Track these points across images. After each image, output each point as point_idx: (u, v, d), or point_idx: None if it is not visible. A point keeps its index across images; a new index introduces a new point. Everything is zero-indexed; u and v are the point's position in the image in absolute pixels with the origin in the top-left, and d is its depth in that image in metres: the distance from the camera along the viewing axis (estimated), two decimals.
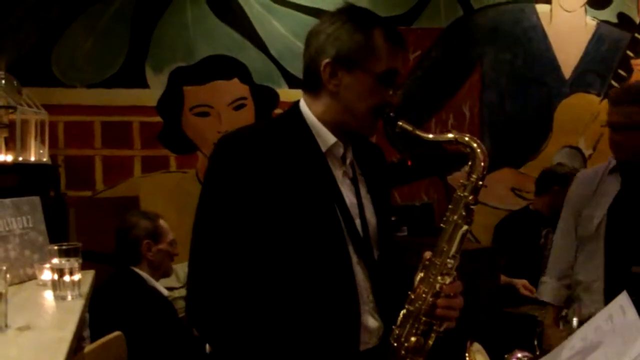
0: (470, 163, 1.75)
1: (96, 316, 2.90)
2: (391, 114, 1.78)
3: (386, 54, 1.76)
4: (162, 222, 3.48)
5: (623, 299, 1.93)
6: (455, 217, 1.76)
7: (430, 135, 1.79)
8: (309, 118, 1.82)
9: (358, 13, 1.82)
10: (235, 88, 4.76)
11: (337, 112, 1.79)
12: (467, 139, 1.76)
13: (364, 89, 1.76)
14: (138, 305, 3.19)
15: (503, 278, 4.29)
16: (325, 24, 1.80)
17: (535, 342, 2.61)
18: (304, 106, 1.84)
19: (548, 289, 3.16)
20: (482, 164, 1.74)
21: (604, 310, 1.99)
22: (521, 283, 4.27)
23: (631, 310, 1.85)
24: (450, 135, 1.77)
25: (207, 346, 3.27)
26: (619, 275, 2.91)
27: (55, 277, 2.12)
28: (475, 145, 1.74)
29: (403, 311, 1.79)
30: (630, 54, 5.64)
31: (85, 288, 2.23)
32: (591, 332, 1.93)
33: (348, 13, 1.81)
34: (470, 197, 1.74)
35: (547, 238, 4.44)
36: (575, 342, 1.96)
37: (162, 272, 3.47)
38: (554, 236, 3.26)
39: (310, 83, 1.82)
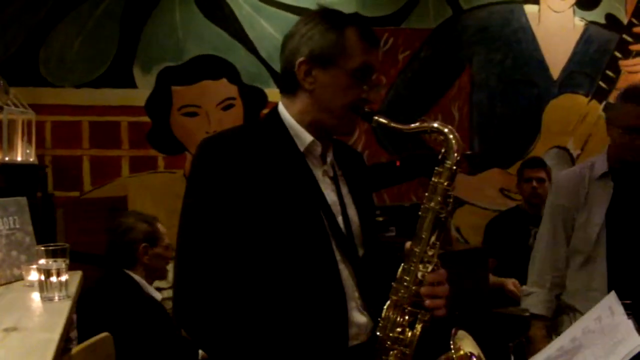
0: (443, 150, 1.76)
1: (87, 318, 2.87)
2: (366, 109, 1.80)
3: (359, 50, 1.78)
4: (159, 225, 3.40)
5: (612, 300, 1.94)
6: (432, 204, 1.75)
7: (402, 126, 1.79)
8: (286, 119, 1.85)
9: (330, 13, 1.85)
10: (223, 88, 4.75)
11: (315, 110, 1.81)
12: (436, 125, 1.77)
13: (339, 86, 1.78)
14: (130, 310, 3.13)
15: (493, 278, 4.30)
16: (299, 25, 1.84)
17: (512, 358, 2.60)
18: (281, 108, 1.87)
19: (538, 301, 3.01)
20: (455, 149, 1.74)
21: (593, 310, 2.00)
22: (510, 281, 4.27)
23: (619, 311, 1.85)
24: (425, 124, 1.78)
25: (200, 352, 3.24)
26: (624, 282, 2.79)
27: (43, 278, 2.11)
28: (446, 130, 1.75)
29: (388, 302, 1.80)
30: (618, 55, 5.67)
31: (73, 289, 2.22)
32: (580, 332, 1.94)
33: (321, 14, 1.84)
34: (446, 184, 1.74)
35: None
36: (564, 342, 1.97)
37: (157, 276, 3.41)
38: (537, 244, 3.11)
39: (287, 84, 1.85)
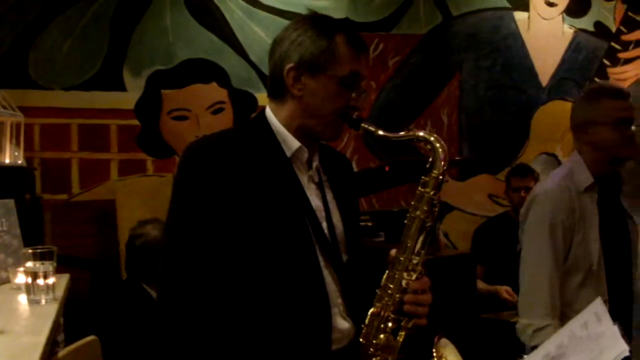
0: (430, 159, 1.77)
1: (97, 325, 2.87)
2: (354, 116, 1.81)
3: (348, 58, 1.79)
4: None
5: (598, 307, 1.94)
6: (418, 212, 1.77)
7: (389, 134, 1.80)
8: (274, 124, 1.85)
9: (320, 20, 1.85)
10: (213, 92, 4.75)
11: (302, 116, 1.82)
12: (422, 133, 1.78)
13: (328, 93, 1.79)
14: (139, 323, 3.12)
15: (485, 286, 4.31)
16: (288, 31, 1.84)
17: None
18: (269, 113, 1.87)
19: (552, 333, 2.58)
20: (442, 158, 1.75)
21: (579, 317, 2.00)
22: (504, 289, 4.28)
23: (605, 317, 1.86)
24: (411, 133, 1.79)
25: None
26: (623, 299, 2.73)
27: (30, 280, 2.11)
28: (432, 139, 1.76)
29: (371, 309, 1.80)
30: (607, 62, 5.70)
31: (60, 292, 2.22)
32: (566, 338, 1.94)
33: (311, 20, 1.84)
34: (432, 193, 1.75)
35: None
36: (550, 348, 1.97)
37: None
38: (538, 267, 2.78)
39: (275, 90, 1.85)
